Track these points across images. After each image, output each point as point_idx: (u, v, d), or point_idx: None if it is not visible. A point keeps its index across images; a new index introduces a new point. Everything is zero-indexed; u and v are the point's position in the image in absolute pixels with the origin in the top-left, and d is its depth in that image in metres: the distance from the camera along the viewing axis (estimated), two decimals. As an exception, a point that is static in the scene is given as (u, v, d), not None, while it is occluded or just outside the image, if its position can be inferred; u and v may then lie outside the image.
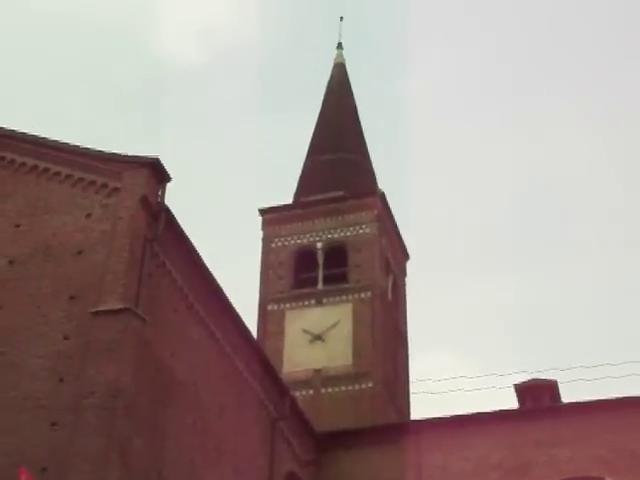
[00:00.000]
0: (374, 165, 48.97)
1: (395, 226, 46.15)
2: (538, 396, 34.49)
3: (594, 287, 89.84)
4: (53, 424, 20.01)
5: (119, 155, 23.83)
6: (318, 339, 40.51)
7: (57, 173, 24.12)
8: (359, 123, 50.49)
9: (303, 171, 48.01)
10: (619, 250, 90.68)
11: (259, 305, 42.23)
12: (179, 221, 23.69)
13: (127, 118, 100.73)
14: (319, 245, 43.19)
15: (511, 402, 35.01)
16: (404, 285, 46.86)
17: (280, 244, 43.75)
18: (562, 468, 29.87)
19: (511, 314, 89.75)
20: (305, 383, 38.94)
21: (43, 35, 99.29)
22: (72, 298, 21.77)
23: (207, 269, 24.91)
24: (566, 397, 34.55)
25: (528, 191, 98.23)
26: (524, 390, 34.92)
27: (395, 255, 45.54)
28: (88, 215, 23.12)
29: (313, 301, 41.78)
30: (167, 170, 23.43)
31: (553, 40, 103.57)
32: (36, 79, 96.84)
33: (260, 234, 44.45)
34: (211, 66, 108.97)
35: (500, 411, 31.90)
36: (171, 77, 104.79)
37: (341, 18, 54.78)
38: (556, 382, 34.95)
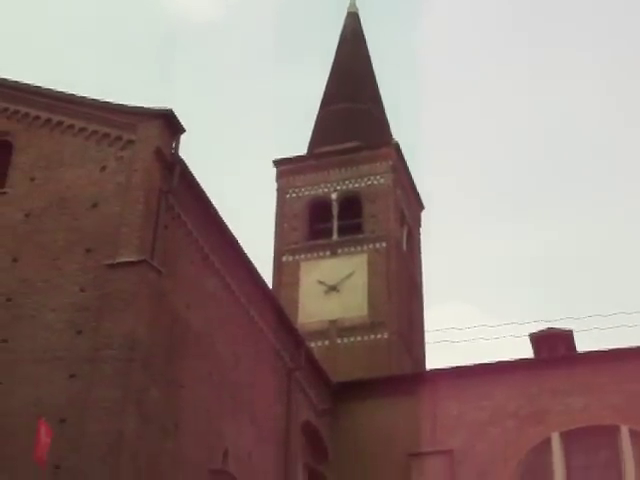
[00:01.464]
0: (388, 115, 48.82)
1: (410, 176, 46.07)
2: (553, 345, 34.57)
3: (610, 235, 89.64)
4: (71, 376, 20.14)
5: (133, 107, 23.75)
6: (333, 290, 40.61)
7: (71, 126, 24.07)
8: (373, 72, 50.18)
9: (317, 122, 47.86)
10: (635, 199, 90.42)
11: (274, 256, 42.33)
12: (194, 173, 23.70)
13: (140, 71, 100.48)
14: (334, 196, 43.17)
15: (527, 352, 35.14)
16: (419, 235, 46.88)
17: (295, 195, 43.75)
18: (577, 416, 30.00)
19: (527, 263, 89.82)
20: (320, 334, 39.11)
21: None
22: (88, 251, 21.81)
23: (222, 221, 24.93)
24: (581, 346, 34.67)
25: (545, 139, 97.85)
26: (539, 339, 34.98)
27: (410, 205, 45.49)
28: (102, 168, 23.10)
29: (328, 252, 41.84)
30: (181, 121, 23.38)
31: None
32: (49, 33, 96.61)
33: (274, 185, 44.45)
34: (223, 17, 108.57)
35: (516, 360, 32.04)
36: (183, 29, 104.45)
37: (354, -34, 54.27)
38: (571, 331, 35.01)
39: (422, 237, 47.20)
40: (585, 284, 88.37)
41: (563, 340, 34.85)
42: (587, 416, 29.93)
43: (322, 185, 43.72)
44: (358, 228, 42.25)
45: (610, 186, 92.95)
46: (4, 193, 23.44)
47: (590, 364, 30.85)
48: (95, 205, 22.51)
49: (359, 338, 39.39)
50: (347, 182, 43.45)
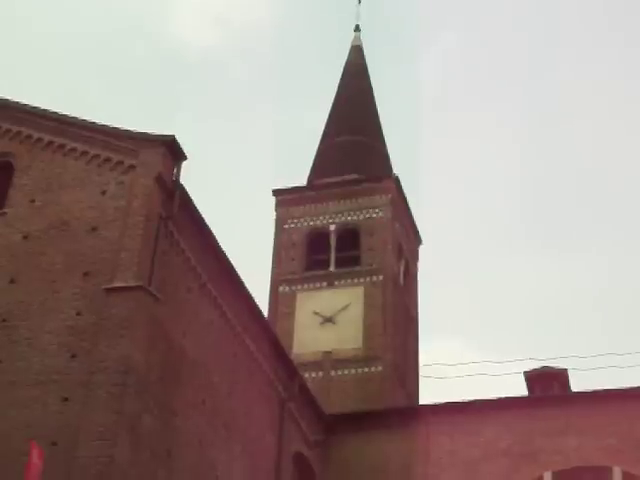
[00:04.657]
0: (389, 148, 48.93)
1: (409, 210, 46.11)
2: (548, 384, 34.46)
3: (609, 274, 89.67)
4: (64, 399, 20.09)
5: (135, 133, 23.81)
6: (329, 321, 40.55)
7: (73, 149, 24.13)
8: (375, 106, 50.35)
9: (318, 153, 47.95)
10: (634, 239, 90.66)
11: (270, 286, 42.28)
12: (194, 200, 23.72)
13: (142, 101, 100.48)
14: (332, 227, 43.20)
15: (521, 390, 35.01)
16: (416, 269, 46.85)
17: (293, 225, 43.76)
18: (570, 456, 29.86)
19: (522, 301, 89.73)
20: (315, 365, 39.00)
21: (62, 16, 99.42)
22: (86, 274, 21.81)
23: (221, 249, 24.92)
24: (576, 386, 34.58)
25: (543, 176, 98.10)
26: (534, 378, 34.87)
27: (408, 239, 45.52)
28: (103, 192, 23.13)
29: (325, 283, 41.81)
30: (183, 148, 23.44)
31: (572, 20, 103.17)
32: (53, 57, 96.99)
33: (273, 215, 44.49)
34: (227, 48, 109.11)
35: (509, 398, 31.93)
36: (187, 60, 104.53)
37: (359, 1, 54.70)
38: (566, 371, 34.90)
39: (419, 271, 47.22)
40: (581, 323, 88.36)
41: (557, 379, 34.74)
42: (580, 456, 29.79)
43: (321, 216, 43.76)
44: (355, 260, 42.24)
45: (608, 224, 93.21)
46: (4, 214, 23.46)
47: (584, 404, 30.76)
48: (94, 229, 22.52)
49: (353, 370, 39.30)
50: (346, 214, 43.50)
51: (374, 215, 43.05)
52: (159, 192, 22.71)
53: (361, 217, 43.23)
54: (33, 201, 23.53)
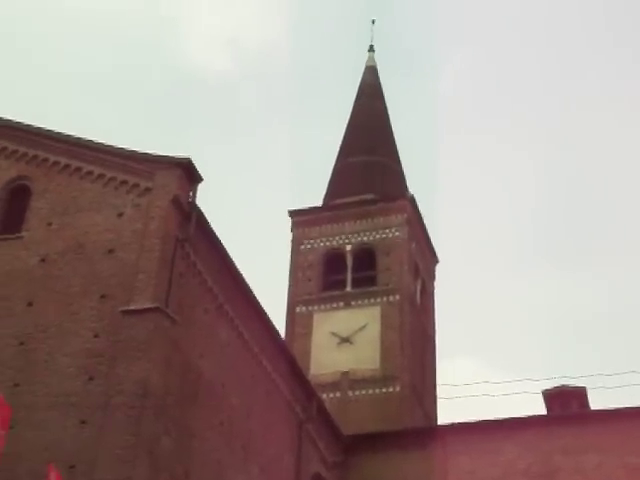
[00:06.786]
0: (404, 168, 48.95)
1: (425, 229, 46.08)
2: (566, 403, 34.33)
3: (626, 292, 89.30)
4: (82, 422, 20.10)
5: (151, 155, 23.89)
6: (346, 342, 40.48)
7: (89, 172, 24.22)
8: (390, 126, 50.43)
9: (333, 173, 48.00)
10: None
11: (287, 307, 42.26)
12: (210, 222, 23.75)
13: (158, 124, 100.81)
14: (348, 247, 43.19)
15: (539, 408, 34.86)
16: (433, 289, 46.77)
17: (309, 246, 43.77)
18: (590, 475, 29.66)
19: (540, 319, 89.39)
20: (332, 386, 38.92)
21: (78, 42, 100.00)
22: (103, 297, 21.85)
23: (237, 270, 24.93)
24: (595, 404, 34.40)
25: (559, 195, 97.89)
26: (552, 396, 34.74)
27: (424, 259, 45.46)
28: (120, 214, 23.20)
29: (341, 303, 41.75)
30: (199, 170, 23.49)
31: (587, 37, 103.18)
32: (68, 83, 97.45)
33: (289, 236, 44.51)
34: (241, 70, 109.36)
35: (528, 417, 31.74)
36: (202, 83, 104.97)
37: (373, 21, 55.02)
38: (585, 389, 34.77)
39: (436, 290, 47.12)
40: (599, 341, 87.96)
41: (576, 397, 34.61)
42: (599, 475, 29.56)
43: (337, 237, 43.77)
44: (372, 280, 42.21)
45: (628, 241, 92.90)
46: (21, 237, 23.57)
47: (603, 422, 30.56)
48: (111, 251, 22.59)
49: (371, 391, 39.20)
50: (362, 234, 43.50)
51: (390, 235, 43.03)
52: (175, 214, 22.76)
53: (377, 237, 43.22)
54: (50, 224, 23.62)
